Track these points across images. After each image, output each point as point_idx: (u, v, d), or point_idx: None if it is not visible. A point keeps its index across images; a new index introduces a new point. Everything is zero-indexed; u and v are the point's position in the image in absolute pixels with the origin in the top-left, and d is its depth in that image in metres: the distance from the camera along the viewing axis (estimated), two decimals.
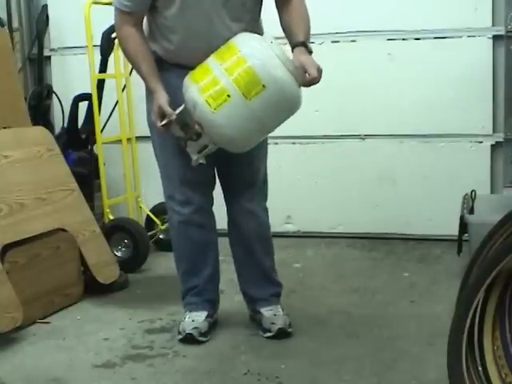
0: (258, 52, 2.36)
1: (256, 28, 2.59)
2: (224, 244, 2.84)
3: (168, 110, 2.45)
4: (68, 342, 2.76)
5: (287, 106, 2.42)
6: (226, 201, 2.78)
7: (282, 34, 2.57)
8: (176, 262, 2.81)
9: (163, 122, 2.45)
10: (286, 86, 2.35)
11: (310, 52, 2.48)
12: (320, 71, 2.41)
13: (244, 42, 2.40)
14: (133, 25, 2.53)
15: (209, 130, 2.38)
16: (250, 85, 2.30)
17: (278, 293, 2.84)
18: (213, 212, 2.77)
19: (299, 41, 2.48)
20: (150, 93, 2.56)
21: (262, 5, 2.61)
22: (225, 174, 2.73)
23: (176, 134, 2.49)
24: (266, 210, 2.81)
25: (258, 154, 2.67)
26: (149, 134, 4.11)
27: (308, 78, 2.40)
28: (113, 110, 3.93)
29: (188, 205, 2.68)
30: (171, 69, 2.56)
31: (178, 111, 2.44)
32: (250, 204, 2.73)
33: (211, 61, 2.40)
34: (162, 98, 2.47)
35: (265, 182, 2.79)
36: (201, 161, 2.48)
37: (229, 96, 2.31)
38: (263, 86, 2.30)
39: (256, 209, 2.74)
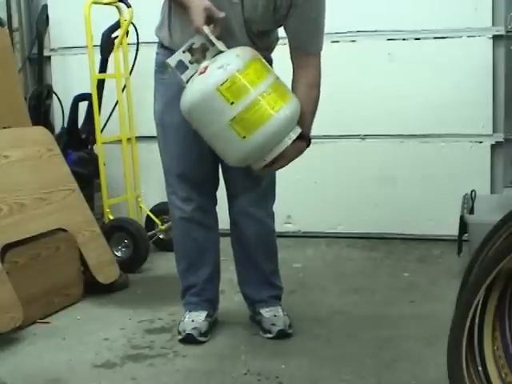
0: (288, 120, 2.35)
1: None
2: (226, 244, 2.84)
3: (217, 10, 2.37)
4: (68, 341, 2.76)
5: (226, 153, 2.41)
6: (228, 201, 2.76)
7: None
8: (176, 259, 2.81)
9: (210, 30, 2.35)
10: (247, 156, 2.36)
11: (308, 145, 2.52)
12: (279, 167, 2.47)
13: (294, 106, 2.39)
14: None
15: (199, 80, 2.32)
16: (246, 123, 2.28)
17: (278, 295, 2.84)
18: (215, 212, 2.76)
19: (304, 133, 2.48)
20: (187, 9, 2.41)
21: (268, 37, 2.59)
22: (227, 174, 2.72)
23: (194, 43, 2.40)
24: (270, 214, 2.78)
25: None
26: (149, 134, 4.16)
27: (263, 169, 2.43)
28: (113, 110, 3.93)
29: (190, 202, 2.67)
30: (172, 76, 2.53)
31: (222, 46, 2.36)
32: (253, 208, 2.69)
33: (267, 81, 2.34)
34: (205, 2, 2.37)
35: (271, 184, 2.74)
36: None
37: (232, 104, 2.28)
38: (244, 136, 2.29)
39: (258, 213, 2.71)
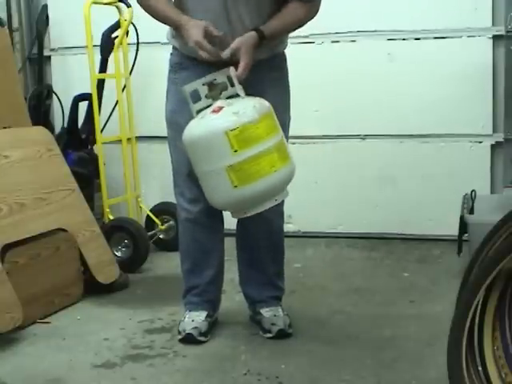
0: (281, 183, 2.39)
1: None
2: (228, 244, 2.83)
3: (215, 29, 2.39)
4: (68, 341, 2.76)
5: (213, 193, 2.43)
6: None
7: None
8: (180, 259, 2.81)
9: (235, 73, 2.37)
10: (232, 204, 2.39)
11: (259, 41, 2.44)
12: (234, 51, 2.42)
13: (290, 171, 2.42)
14: None
15: (211, 118, 2.35)
16: (242, 173, 2.30)
17: (279, 296, 2.84)
18: (221, 214, 2.74)
19: (259, 28, 2.46)
20: (183, 30, 2.44)
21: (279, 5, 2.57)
22: None
23: (216, 79, 2.41)
24: (281, 213, 2.79)
25: None
26: (149, 134, 4.17)
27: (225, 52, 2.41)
28: (113, 110, 3.93)
29: (197, 203, 2.65)
30: (191, 68, 2.54)
31: (241, 91, 2.38)
32: None
33: (274, 140, 2.36)
34: (203, 22, 2.40)
35: None
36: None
37: (235, 151, 2.29)
38: (235, 186, 2.31)
39: (269, 212, 2.63)
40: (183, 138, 2.41)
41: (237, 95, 2.40)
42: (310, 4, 2.53)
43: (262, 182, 2.33)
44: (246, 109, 2.33)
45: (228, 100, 2.39)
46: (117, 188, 4.00)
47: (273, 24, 2.50)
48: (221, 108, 2.35)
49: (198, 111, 2.42)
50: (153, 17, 2.58)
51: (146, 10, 2.59)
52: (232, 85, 2.41)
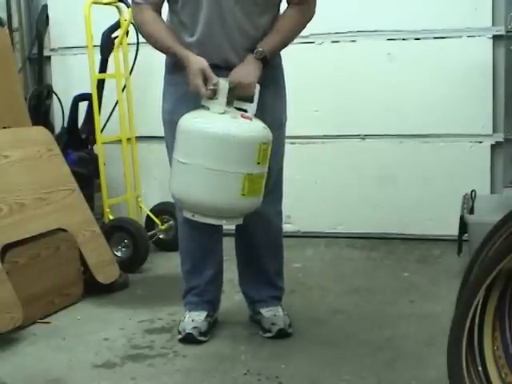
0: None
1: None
2: (227, 243, 2.83)
3: (212, 74, 2.40)
4: (68, 341, 2.76)
5: (213, 190, 2.42)
6: None
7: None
8: (180, 259, 2.81)
9: (210, 87, 2.39)
10: (228, 209, 2.42)
11: (262, 60, 2.47)
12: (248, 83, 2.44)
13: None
14: (150, 11, 2.53)
15: (249, 125, 2.38)
16: (253, 185, 2.35)
17: (279, 296, 2.84)
18: None
19: (259, 48, 2.48)
20: (182, 63, 2.46)
21: (278, 9, 2.58)
22: None
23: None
24: (279, 213, 2.78)
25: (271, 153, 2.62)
26: (149, 134, 4.16)
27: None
28: (113, 110, 3.93)
29: None
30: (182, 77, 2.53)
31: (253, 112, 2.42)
32: (261, 206, 2.63)
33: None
34: (203, 62, 2.42)
35: (279, 182, 2.73)
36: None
37: (258, 163, 2.34)
38: (243, 194, 2.35)
39: (267, 212, 2.67)
40: (214, 131, 2.36)
41: (240, 109, 2.42)
42: (306, 6, 2.54)
43: (258, 199, 2.42)
44: (266, 128, 2.40)
45: (245, 113, 2.41)
46: (117, 188, 4.00)
47: (272, 38, 2.51)
48: (249, 118, 2.38)
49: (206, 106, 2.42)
50: (143, 36, 2.59)
51: (144, 37, 2.61)
52: (251, 101, 2.42)
